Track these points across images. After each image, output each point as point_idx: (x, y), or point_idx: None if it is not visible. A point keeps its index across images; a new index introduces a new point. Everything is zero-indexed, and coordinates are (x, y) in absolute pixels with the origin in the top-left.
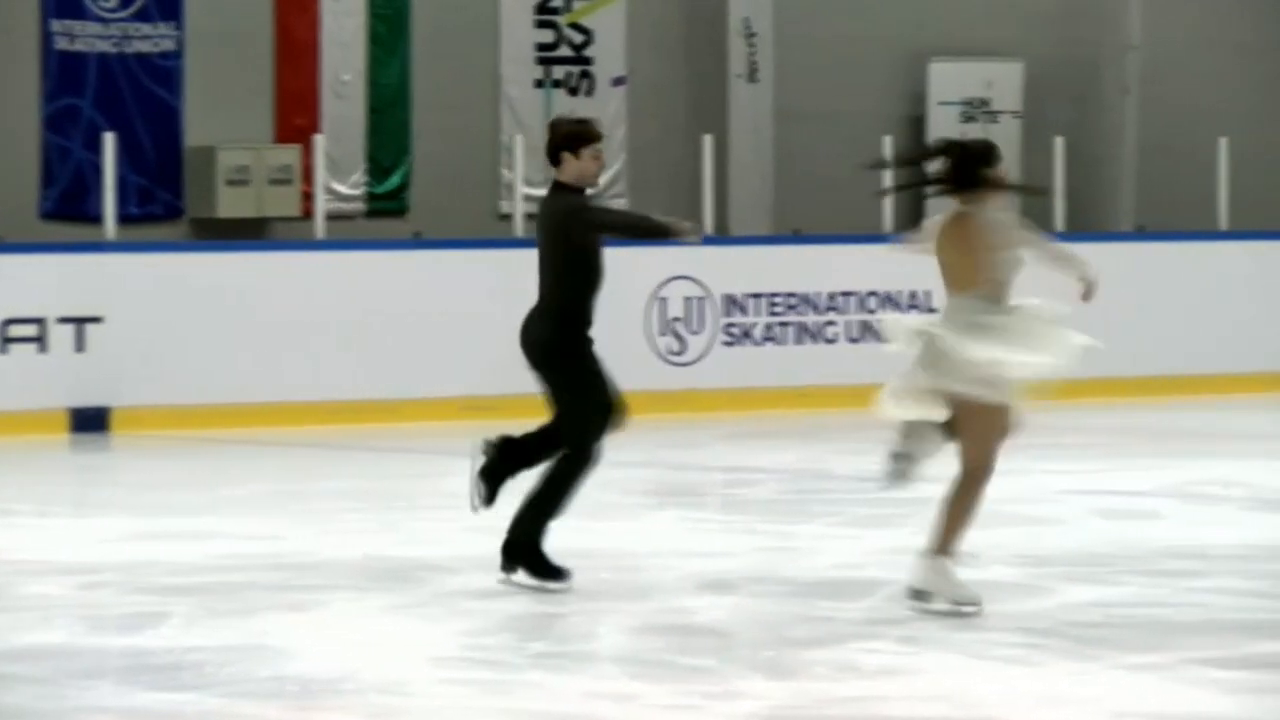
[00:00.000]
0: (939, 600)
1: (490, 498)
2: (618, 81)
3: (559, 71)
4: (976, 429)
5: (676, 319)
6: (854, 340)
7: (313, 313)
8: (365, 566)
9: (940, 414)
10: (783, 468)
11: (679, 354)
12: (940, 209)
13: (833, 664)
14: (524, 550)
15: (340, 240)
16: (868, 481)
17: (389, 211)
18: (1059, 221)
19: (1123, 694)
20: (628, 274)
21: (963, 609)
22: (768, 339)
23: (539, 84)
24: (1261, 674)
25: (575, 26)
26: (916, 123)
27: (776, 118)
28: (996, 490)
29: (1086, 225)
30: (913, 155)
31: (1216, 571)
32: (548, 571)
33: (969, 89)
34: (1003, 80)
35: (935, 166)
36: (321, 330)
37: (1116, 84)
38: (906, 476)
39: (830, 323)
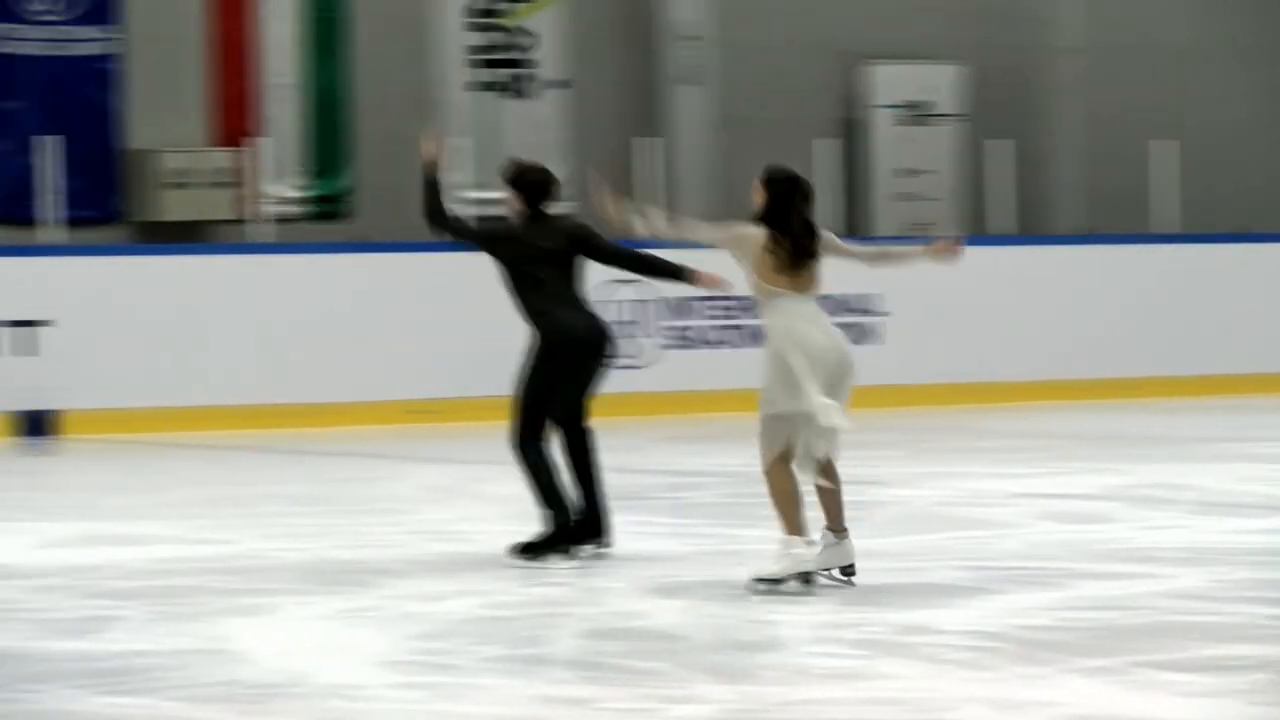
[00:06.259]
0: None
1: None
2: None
3: (496, 75)
4: None
5: None
6: None
7: (259, 315)
8: (314, 570)
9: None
10: None
11: None
12: None
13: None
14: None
15: (283, 244)
16: None
17: (330, 215)
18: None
19: (1076, 698)
20: None
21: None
22: None
23: (486, 86)
24: (1212, 677)
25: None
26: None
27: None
28: (943, 494)
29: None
30: None
31: (1165, 575)
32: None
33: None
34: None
35: None
36: (268, 333)
37: None
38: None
39: None
